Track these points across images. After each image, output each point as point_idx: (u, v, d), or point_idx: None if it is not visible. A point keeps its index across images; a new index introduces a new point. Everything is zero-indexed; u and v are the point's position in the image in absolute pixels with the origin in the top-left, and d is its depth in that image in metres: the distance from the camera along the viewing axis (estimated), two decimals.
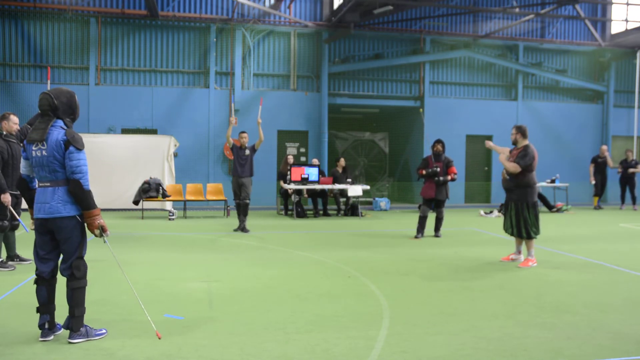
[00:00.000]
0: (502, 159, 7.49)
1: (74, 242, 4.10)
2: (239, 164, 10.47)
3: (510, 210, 7.46)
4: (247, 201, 10.53)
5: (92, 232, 4.14)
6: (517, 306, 5.24)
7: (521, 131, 7.40)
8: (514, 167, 7.22)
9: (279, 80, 16.45)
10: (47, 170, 4.06)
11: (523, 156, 7.20)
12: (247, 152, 10.52)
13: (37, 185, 4.21)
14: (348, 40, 16.81)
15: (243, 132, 10.71)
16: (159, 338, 4.10)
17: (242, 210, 10.56)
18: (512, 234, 7.52)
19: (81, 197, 4.04)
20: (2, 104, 14.48)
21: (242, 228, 10.52)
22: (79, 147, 4.04)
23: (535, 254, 7.49)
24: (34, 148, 4.08)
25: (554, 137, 18.16)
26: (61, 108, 4.13)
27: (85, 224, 4.14)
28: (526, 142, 7.36)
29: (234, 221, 11.61)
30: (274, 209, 15.37)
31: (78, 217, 4.11)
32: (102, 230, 4.14)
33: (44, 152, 4.04)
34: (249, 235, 10.20)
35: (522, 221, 7.31)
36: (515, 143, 7.42)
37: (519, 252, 7.65)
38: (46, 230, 4.12)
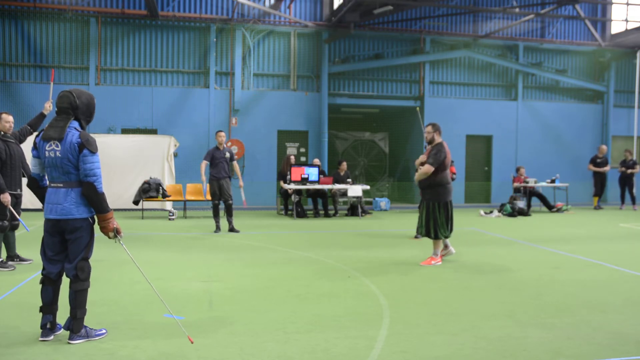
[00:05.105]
0: (417, 163, 7.56)
1: (82, 243, 4.10)
2: (218, 164, 10.41)
3: (422, 209, 7.52)
4: (231, 202, 10.52)
5: (107, 234, 4.13)
6: (517, 306, 5.23)
7: (438, 129, 7.42)
8: (427, 169, 7.24)
9: (279, 80, 16.44)
10: (60, 171, 4.04)
11: (435, 154, 7.24)
12: (227, 154, 10.47)
13: (48, 185, 4.18)
14: (348, 40, 16.80)
15: (220, 131, 10.65)
16: (192, 343, 4.00)
17: (227, 211, 10.56)
18: (421, 233, 7.60)
19: (95, 200, 4.03)
20: (2, 104, 14.48)
21: (231, 228, 10.50)
22: (93, 150, 4.02)
23: (534, 254, 7.48)
24: (47, 148, 4.04)
25: (554, 137, 18.16)
26: (81, 108, 4.10)
27: (99, 227, 4.13)
28: (440, 140, 7.42)
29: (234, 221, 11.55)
30: (274, 209, 15.37)
31: (90, 219, 4.13)
32: (117, 232, 4.14)
33: (57, 154, 4.00)
34: (250, 235, 10.20)
35: (431, 221, 7.34)
36: (431, 142, 7.41)
37: (445, 246, 7.63)
38: (57, 231, 4.10)
